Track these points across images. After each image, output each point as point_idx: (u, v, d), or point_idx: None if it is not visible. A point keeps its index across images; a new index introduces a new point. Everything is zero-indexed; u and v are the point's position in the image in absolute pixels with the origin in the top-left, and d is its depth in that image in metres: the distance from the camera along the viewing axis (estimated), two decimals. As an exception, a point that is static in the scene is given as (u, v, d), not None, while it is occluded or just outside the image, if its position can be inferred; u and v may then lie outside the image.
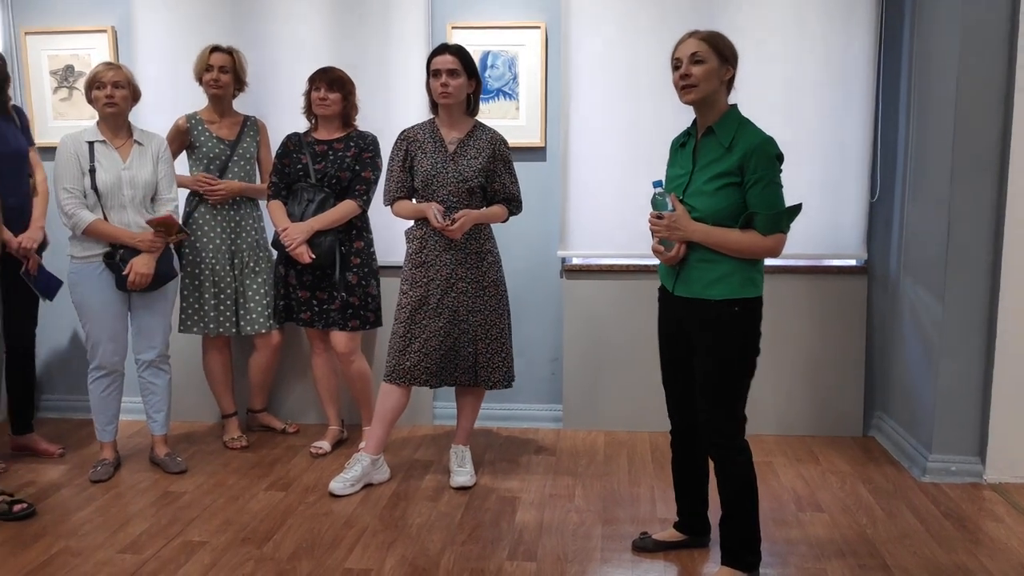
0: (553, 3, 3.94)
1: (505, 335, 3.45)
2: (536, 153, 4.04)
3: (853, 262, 4.07)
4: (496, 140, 3.39)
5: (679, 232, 2.48)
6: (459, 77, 3.28)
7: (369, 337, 4.05)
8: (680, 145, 2.64)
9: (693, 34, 2.49)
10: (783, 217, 2.44)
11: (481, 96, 3.54)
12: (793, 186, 3.91)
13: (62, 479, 3.55)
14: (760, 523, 2.63)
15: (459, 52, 3.30)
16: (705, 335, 2.52)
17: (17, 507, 3.15)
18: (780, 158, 2.43)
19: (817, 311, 4.03)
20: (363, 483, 3.42)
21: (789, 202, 2.46)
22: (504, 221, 3.47)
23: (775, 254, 2.48)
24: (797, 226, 3.90)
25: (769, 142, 2.42)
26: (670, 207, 2.49)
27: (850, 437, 4.07)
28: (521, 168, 3.76)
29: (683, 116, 3.88)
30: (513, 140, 3.76)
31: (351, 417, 4.10)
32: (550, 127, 4.03)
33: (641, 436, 4.06)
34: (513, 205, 3.45)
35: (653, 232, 2.54)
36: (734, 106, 2.52)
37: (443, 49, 3.31)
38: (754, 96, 3.90)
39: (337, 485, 3.37)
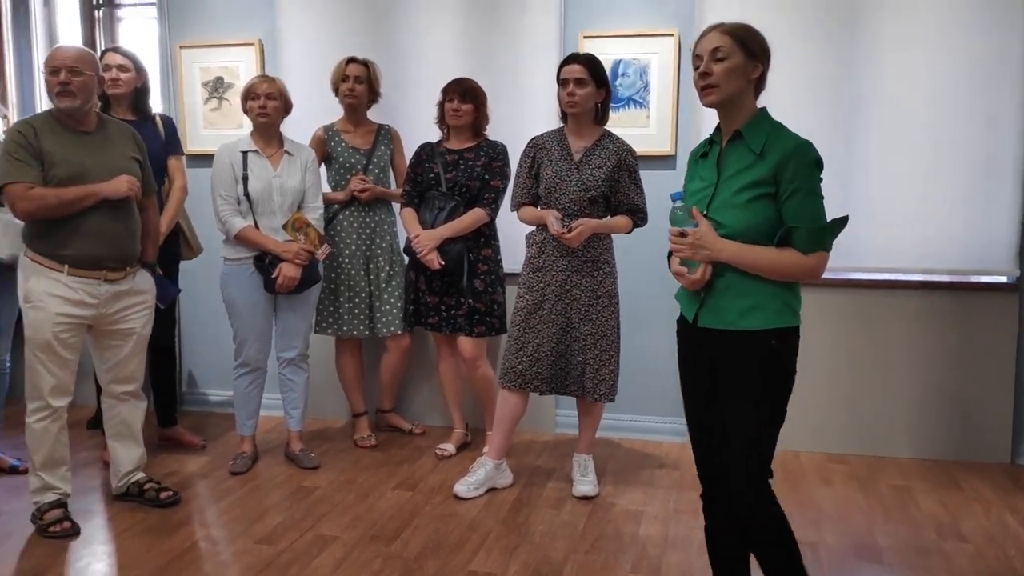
0: (687, 11, 3.90)
1: (613, 348, 3.42)
2: (666, 162, 3.99)
3: (1003, 279, 3.84)
4: (623, 150, 3.38)
5: (705, 251, 2.10)
6: (586, 86, 3.29)
7: (494, 343, 4.10)
8: (700, 156, 2.28)
9: (716, 27, 2.15)
10: (827, 232, 2.09)
11: (611, 104, 3.53)
12: (937, 198, 3.77)
13: (203, 470, 3.75)
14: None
15: (588, 61, 3.30)
16: (737, 373, 2.12)
17: (164, 494, 3.35)
18: (820, 164, 2.08)
19: (962, 329, 3.82)
20: (487, 487, 3.47)
21: (831, 214, 2.10)
22: (628, 232, 3.45)
23: (816, 276, 2.12)
24: (940, 241, 3.77)
25: (807, 146, 2.08)
26: (693, 222, 2.13)
27: (996, 464, 3.83)
28: (650, 177, 3.73)
29: (819, 124, 3.80)
30: (643, 148, 3.73)
31: (475, 421, 4.16)
32: (681, 135, 3.98)
33: (768, 453, 3.95)
34: (637, 217, 3.43)
35: (674, 251, 2.19)
36: (763, 109, 2.17)
37: (572, 59, 3.33)
38: (897, 107, 3.75)
39: (462, 488, 3.42)
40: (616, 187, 3.37)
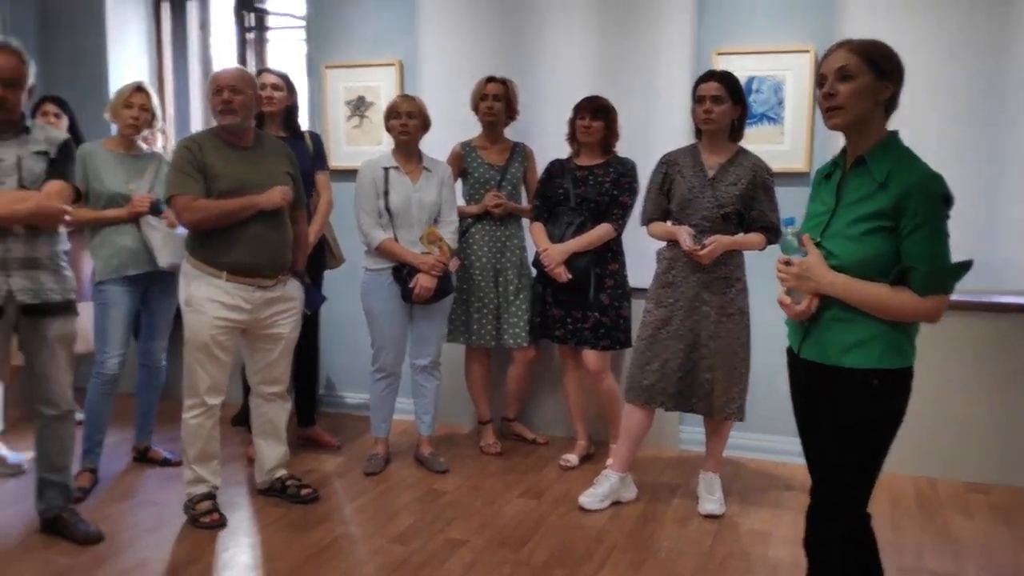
0: (824, 27, 3.84)
1: (743, 366, 3.39)
2: (801, 179, 3.94)
3: None
4: (758, 167, 3.36)
5: (811, 283, 2.03)
6: (723, 104, 3.29)
7: (619, 357, 4.13)
8: (824, 176, 2.18)
9: (843, 44, 2.03)
10: (948, 275, 1.94)
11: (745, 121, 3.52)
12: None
13: (339, 469, 3.93)
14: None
15: (725, 79, 3.31)
16: (836, 410, 2.05)
17: (304, 491, 3.53)
18: (948, 200, 1.93)
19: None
20: (611, 500, 3.50)
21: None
22: (761, 249, 3.43)
23: (933, 319, 1.98)
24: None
25: (935, 179, 1.93)
26: (803, 251, 2.06)
27: None
28: (783, 194, 3.68)
29: (962, 140, 3.67)
30: (776, 165, 3.69)
31: (599, 433, 4.20)
32: (816, 152, 3.92)
33: (902, 479, 3.82)
34: (772, 234, 3.40)
35: (779, 280, 2.12)
36: (893, 133, 2.04)
37: (709, 76, 3.34)
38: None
39: (587, 499, 3.47)
40: (750, 204, 3.36)
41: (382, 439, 3.98)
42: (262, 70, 3.94)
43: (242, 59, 5.05)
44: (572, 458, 3.98)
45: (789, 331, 2.24)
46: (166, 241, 3.59)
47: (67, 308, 3.05)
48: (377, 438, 3.98)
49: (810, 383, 2.15)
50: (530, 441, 4.31)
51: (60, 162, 3.00)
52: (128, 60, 5.13)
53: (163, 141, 4.42)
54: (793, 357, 2.23)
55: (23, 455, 3.79)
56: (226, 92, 3.18)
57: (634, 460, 3.61)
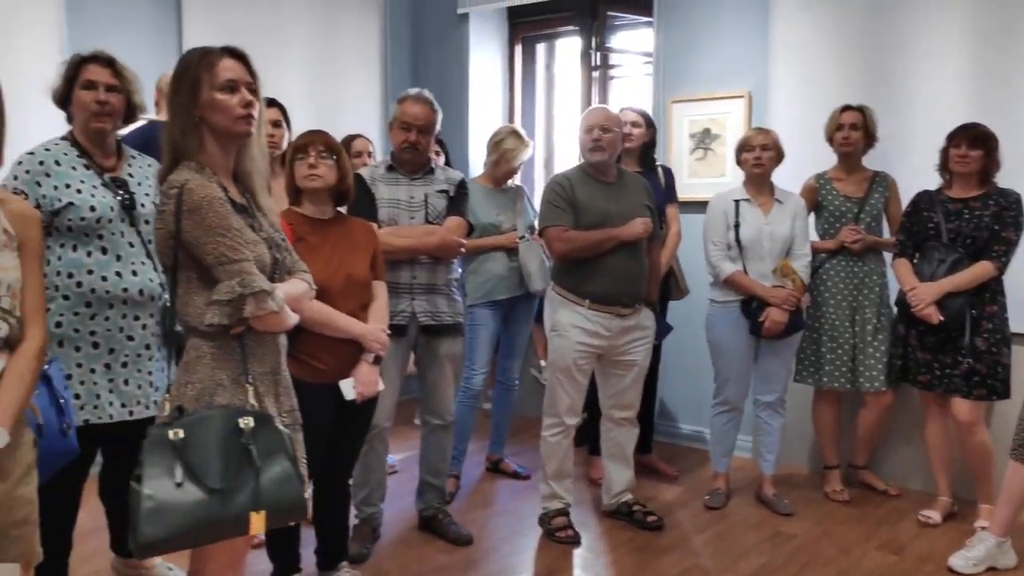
0: None
1: None
2: None
3: None
4: None
5: None
6: None
7: (992, 409, 3.76)
8: None
9: None
10: None
11: None
12: None
13: (680, 499, 3.95)
14: None
15: None
16: None
17: (650, 518, 3.59)
18: None
19: None
20: (987, 565, 3.18)
21: None
22: None
23: None
24: None
25: None
26: None
27: None
28: None
29: None
30: None
31: (963, 490, 3.83)
32: None
33: None
34: None
35: None
36: None
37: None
38: None
39: (959, 562, 3.18)
40: None
41: (722, 474, 3.94)
42: (623, 108, 4.10)
43: (587, 97, 5.29)
44: (934, 515, 3.67)
45: None
46: (541, 268, 3.87)
47: (457, 329, 3.36)
48: (717, 472, 3.95)
49: None
50: (880, 491, 4.03)
51: (458, 199, 3.33)
52: (484, 100, 5.58)
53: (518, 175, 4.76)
54: None
55: (394, 457, 4.22)
56: (596, 131, 3.35)
57: (1015, 524, 3.25)
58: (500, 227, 3.96)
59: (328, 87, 5.14)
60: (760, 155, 3.72)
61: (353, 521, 3.22)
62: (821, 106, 4.05)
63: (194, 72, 1.99)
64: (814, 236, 3.97)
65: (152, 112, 3.39)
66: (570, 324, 3.37)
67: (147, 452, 1.80)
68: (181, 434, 1.79)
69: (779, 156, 3.77)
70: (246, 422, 1.86)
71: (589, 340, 3.37)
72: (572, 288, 3.39)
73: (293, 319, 2.07)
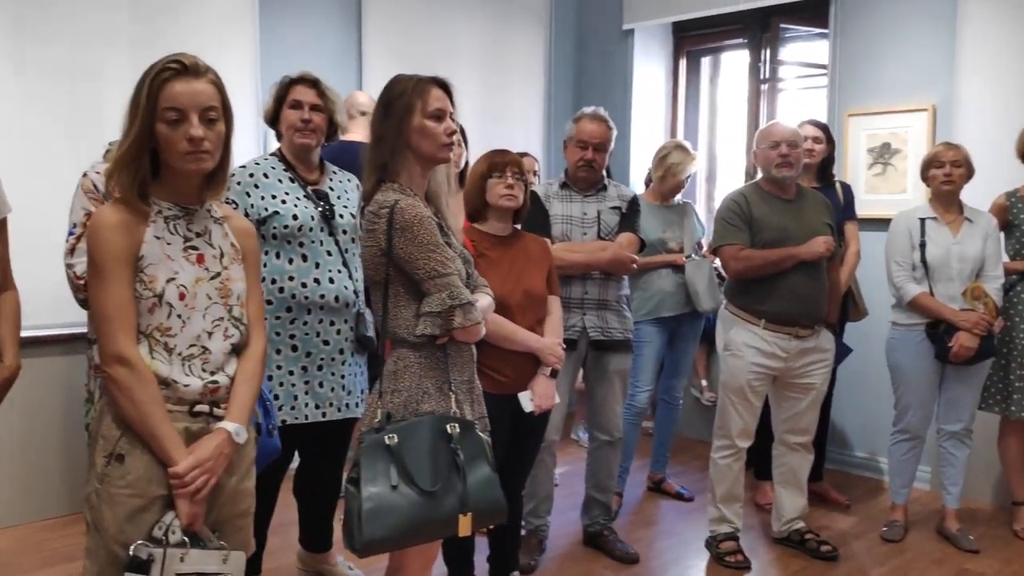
0: None
1: None
2: None
3: None
4: None
5: None
6: None
7: None
8: None
9: None
10: None
11: None
12: None
13: (854, 530, 3.78)
14: None
15: None
16: None
17: (824, 548, 3.45)
18: None
19: None
20: None
21: None
22: None
23: None
24: None
25: None
26: None
27: None
28: None
29: None
30: None
31: None
32: None
33: None
34: None
35: None
36: None
37: None
38: None
39: None
40: None
41: (901, 505, 3.75)
42: (803, 122, 3.99)
43: (755, 111, 5.18)
44: None
45: None
46: (709, 286, 3.81)
47: (627, 345, 3.36)
48: (895, 504, 3.76)
49: None
50: (1077, 532, 3.74)
51: (630, 216, 3.35)
52: (647, 116, 5.56)
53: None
54: None
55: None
56: (784, 146, 3.28)
57: None
58: (667, 243, 3.94)
59: (495, 106, 5.26)
60: (951, 171, 3.53)
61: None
62: (1012, 119, 3.81)
63: (408, 99, 2.09)
64: (1006, 256, 3.73)
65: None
66: (744, 344, 3.30)
67: (364, 456, 1.89)
68: (395, 439, 1.88)
69: (969, 173, 3.57)
70: (453, 428, 1.93)
71: (765, 361, 3.29)
72: (747, 307, 3.32)
73: (484, 331, 2.14)
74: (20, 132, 3.53)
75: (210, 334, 1.80)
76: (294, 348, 2.68)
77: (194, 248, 1.81)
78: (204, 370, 1.80)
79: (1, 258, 2.34)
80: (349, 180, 2.90)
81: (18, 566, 3.27)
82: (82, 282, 2.46)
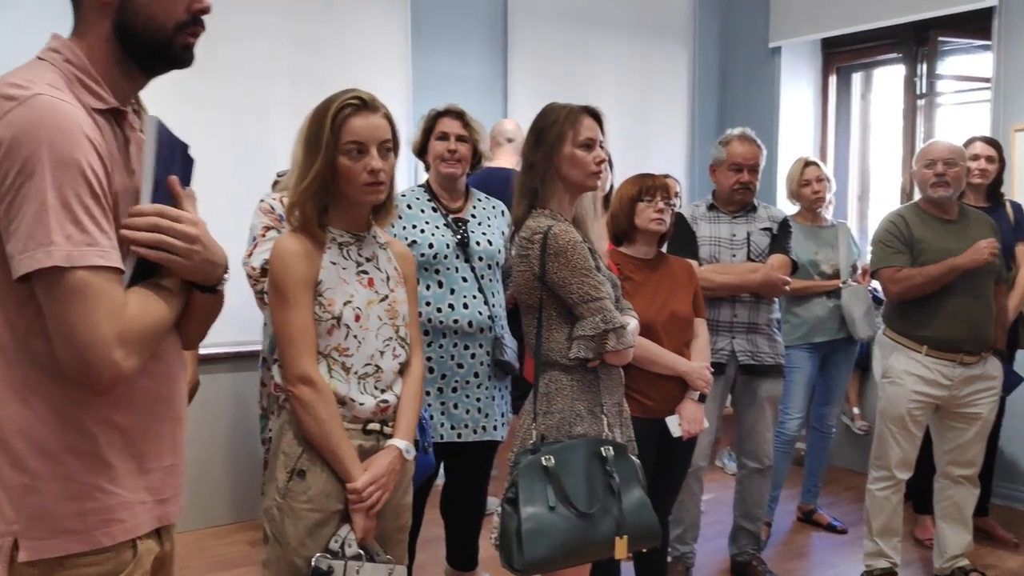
0: None
1: None
2: None
3: None
4: None
5: None
6: None
7: None
8: None
9: None
10: None
11: None
12: None
13: (1021, 570, 3.54)
14: None
15: None
16: None
17: (994, 589, 3.25)
18: None
19: None
20: None
21: None
22: None
23: None
24: None
25: None
26: None
27: None
28: None
29: None
30: None
31: None
32: None
33: None
34: None
35: None
36: None
37: None
38: None
39: None
40: None
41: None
42: (975, 139, 3.78)
43: (910, 128, 4.97)
44: None
45: None
46: (867, 314, 3.68)
47: (777, 371, 3.28)
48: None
49: None
50: None
51: (781, 237, 3.28)
52: (794, 134, 5.43)
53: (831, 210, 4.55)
54: None
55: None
56: (940, 164, 3.14)
57: None
58: (819, 265, 3.82)
59: (637, 128, 5.26)
60: None
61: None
62: None
63: (559, 128, 2.15)
64: None
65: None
66: (905, 371, 3.16)
67: (521, 476, 1.94)
68: (552, 460, 1.92)
69: None
70: (607, 451, 1.96)
71: (926, 389, 3.14)
72: (908, 332, 3.19)
73: (632, 354, 2.16)
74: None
75: (382, 353, 1.90)
76: (430, 370, 2.77)
77: (365, 272, 1.92)
78: (376, 388, 1.90)
79: None
80: (495, 207, 2.99)
81: (186, 570, 3.49)
82: (258, 272, 2.64)
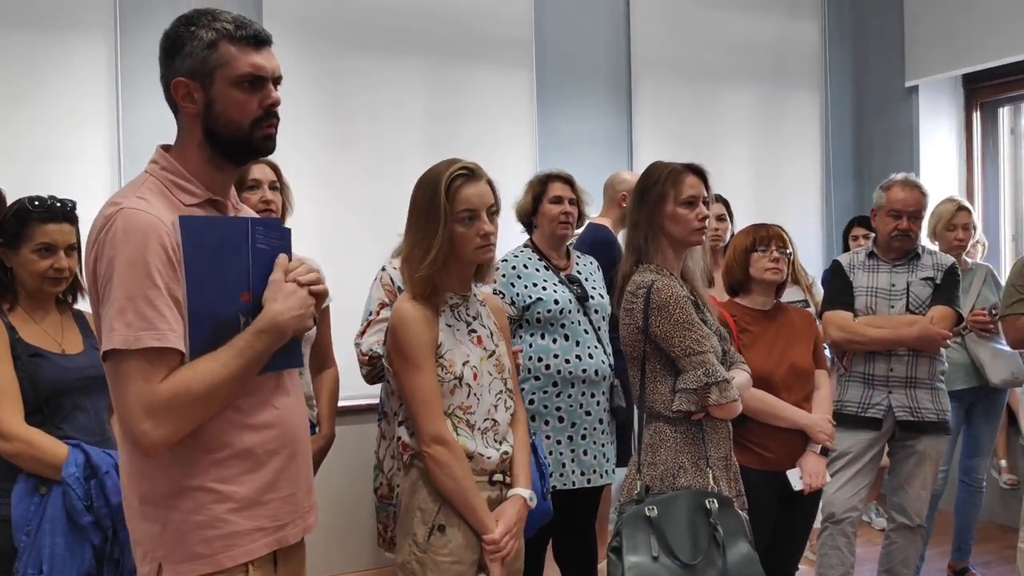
0: None
1: None
2: None
3: None
4: None
5: None
6: None
7: None
8: None
9: None
10: None
11: None
12: None
13: None
14: None
15: None
16: None
17: None
18: None
19: None
20: None
21: None
22: None
23: None
24: None
25: None
26: None
27: None
28: None
29: None
30: None
31: None
32: None
33: None
34: None
35: None
36: None
37: None
38: None
39: None
40: None
41: None
42: None
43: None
44: None
45: None
46: (995, 356, 3.49)
47: (940, 427, 3.11)
48: None
49: None
50: None
51: (945, 287, 3.11)
52: (936, 174, 5.22)
53: (982, 252, 4.34)
54: None
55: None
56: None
57: None
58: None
59: (768, 176, 5.20)
60: None
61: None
62: None
63: (661, 187, 2.24)
64: None
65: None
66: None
67: (625, 526, 2.00)
68: (655, 511, 1.98)
69: None
70: (711, 503, 1.99)
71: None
72: (1053, 381, 3.01)
73: (740, 408, 2.18)
74: (333, 227, 4.01)
75: (495, 407, 2.03)
76: (560, 419, 2.89)
77: (474, 331, 2.05)
78: (496, 441, 2.02)
79: (324, 340, 2.78)
80: (591, 263, 3.19)
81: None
82: (367, 358, 2.82)
